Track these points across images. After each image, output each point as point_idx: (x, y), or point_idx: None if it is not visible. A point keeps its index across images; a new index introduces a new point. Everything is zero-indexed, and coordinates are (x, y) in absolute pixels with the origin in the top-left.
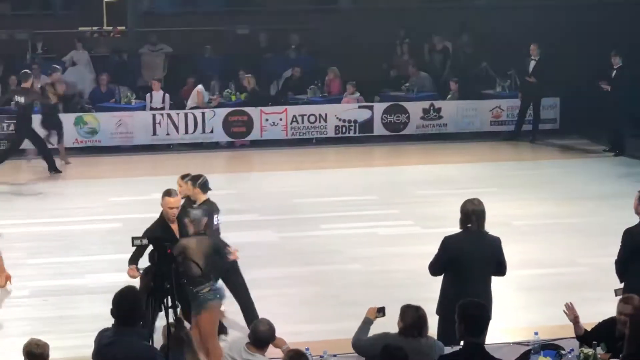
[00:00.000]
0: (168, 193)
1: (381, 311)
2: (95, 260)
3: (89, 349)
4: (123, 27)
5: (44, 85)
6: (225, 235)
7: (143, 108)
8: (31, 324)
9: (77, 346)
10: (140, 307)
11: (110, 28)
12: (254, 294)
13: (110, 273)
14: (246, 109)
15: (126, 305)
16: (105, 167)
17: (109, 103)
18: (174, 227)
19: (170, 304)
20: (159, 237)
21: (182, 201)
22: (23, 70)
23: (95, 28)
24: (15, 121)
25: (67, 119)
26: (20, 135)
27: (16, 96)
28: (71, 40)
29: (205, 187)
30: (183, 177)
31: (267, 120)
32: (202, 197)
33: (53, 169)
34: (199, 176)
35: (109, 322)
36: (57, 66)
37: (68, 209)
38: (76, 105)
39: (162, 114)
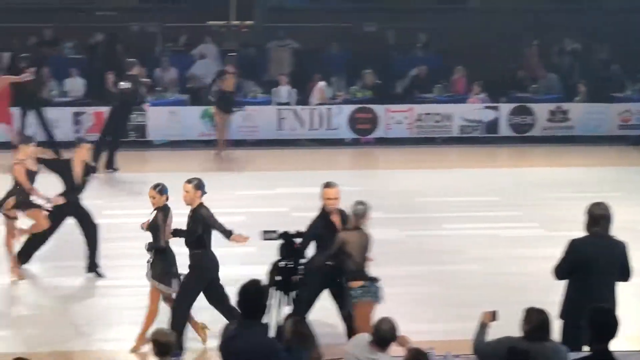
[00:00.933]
0: (327, 184)
1: (494, 315)
2: (219, 253)
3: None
4: (251, 22)
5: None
6: None
7: (268, 103)
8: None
9: (190, 338)
10: (264, 301)
11: (238, 22)
12: None
13: (234, 266)
14: (372, 106)
15: (251, 298)
16: (230, 161)
17: (235, 97)
18: (335, 219)
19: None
20: (288, 231)
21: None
22: (129, 59)
23: (223, 22)
24: (114, 107)
25: (194, 112)
26: (122, 121)
27: (121, 82)
28: (200, 33)
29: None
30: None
31: (392, 118)
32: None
33: (111, 167)
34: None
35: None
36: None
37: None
38: (204, 98)
39: (287, 109)
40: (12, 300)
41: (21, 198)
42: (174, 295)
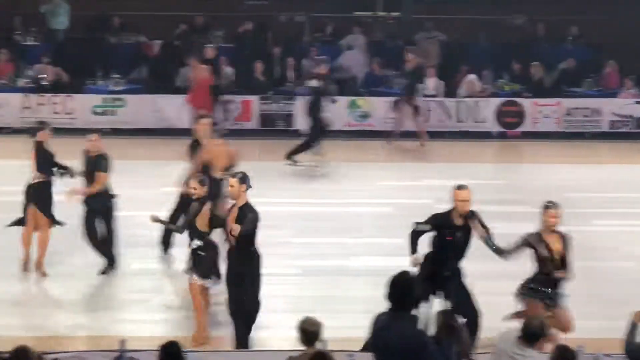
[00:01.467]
0: (459, 187)
1: None
2: (362, 243)
3: (347, 330)
4: (398, 13)
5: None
6: (495, 226)
7: None
8: (296, 301)
9: (336, 327)
10: (414, 292)
11: (385, 14)
12: None
13: (377, 256)
14: (519, 99)
15: (400, 290)
16: (374, 151)
17: (383, 88)
18: (460, 220)
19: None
20: (442, 224)
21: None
22: (318, 57)
23: (370, 13)
24: (309, 106)
25: (341, 102)
26: (316, 121)
27: (310, 81)
28: (348, 24)
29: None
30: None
31: (540, 112)
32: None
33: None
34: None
35: (369, 305)
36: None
37: (336, 190)
38: (350, 89)
39: (434, 101)
40: (160, 288)
41: None
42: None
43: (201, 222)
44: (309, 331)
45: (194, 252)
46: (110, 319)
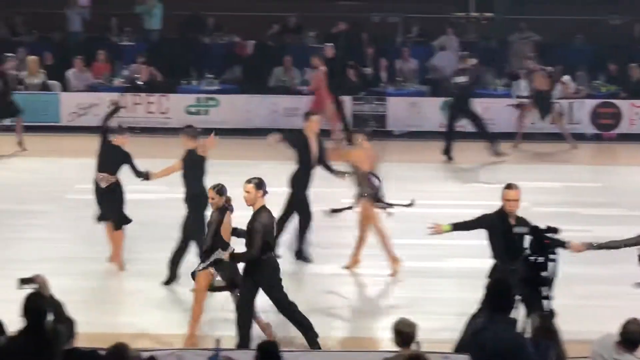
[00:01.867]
0: (508, 186)
1: None
2: (457, 244)
3: (441, 331)
4: (491, 14)
5: None
6: (590, 229)
7: (508, 95)
8: (391, 302)
9: (430, 329)
10: (511, 295)
11: (478, 14)
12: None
13: (471, 259)
14: (616, 101)
15: (500, 293)
16: (466, 153)
17: (476, 89)
18: (512, 221)
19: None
20: (539, 226)
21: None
22: (461, 52)
23: (463, 14)
24: (454, 102)
25: (434, 103)
26: (466, 115)
27: (456, 77)
28: (441, 25)
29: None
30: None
31: (637, 113)
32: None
33: (495, 152)
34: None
35: (463, 307)
36: None
37: (429, 192)
38: (444, 90)
39: (527, 102)
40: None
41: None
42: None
43: (225, 232)
44: (404, 332)
45: (217, 262)
46: (204, 318)
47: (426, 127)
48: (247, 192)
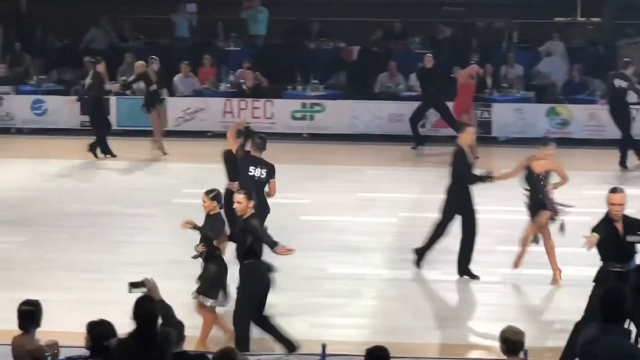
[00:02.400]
0: (613, 190)
1: None
2: (563, 252)
3: (548, 339)
4: (598, 19)
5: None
6: None
7: None
8: (498, 310)
9: (537, 337)
10: (625, 305)
11: (584, 19)
12: None
13: (579, 266)
14: None
15: (614, 303)
16: (575, 160)
17: (583, 95)
18: (618, 226)
19: None
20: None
21: None
22: (626, 59)
23: (569, 19)
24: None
25: (539, 110)
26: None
27: (616, 80)
28: (547, 30)
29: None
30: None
31: None
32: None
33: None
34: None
35: (571, 314)
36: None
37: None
38: (550, 96)
39: (638, 109)
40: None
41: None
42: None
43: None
44: (512, 340)
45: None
46: (308, 323)
47: (531, 133)
48: (239, 202)
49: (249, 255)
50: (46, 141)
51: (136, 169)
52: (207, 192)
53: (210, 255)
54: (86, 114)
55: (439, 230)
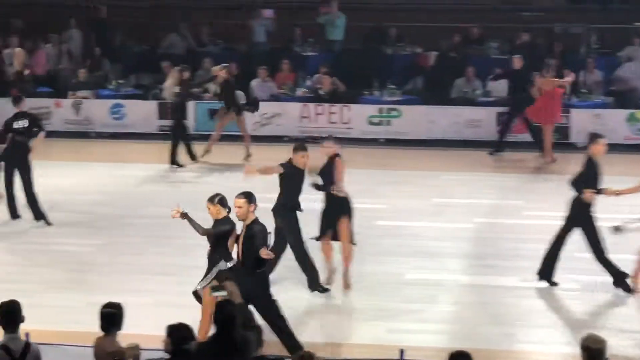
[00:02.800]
0: None
1: None
2: None
3: (629, 348)
4: None
5: None
6: None
7: None
8: (578, 317)
9: (619, 345)
10: None
11: None
12: None
13: None
14: None
15: None
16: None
17: None
18: None
19: None
20: None
21: None
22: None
23: None
24: None
25: (619, 116)
26: None
27: None
28: (626, 35)
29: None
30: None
31: None
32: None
33: None
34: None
35: None
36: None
37: (619, 205)
38: (630, 101)
39: None
40: (436, 298)
41: None
42: None
43: (230, 243)
44: (593, 349)
45: (219, 275)
46: (385, 328)
47: (611, 139)
48: (239, 207)
49: (262, 263)
50: (124, 145)
51: (211, 173)
52: (210, 199)
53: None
54: (173, 119)
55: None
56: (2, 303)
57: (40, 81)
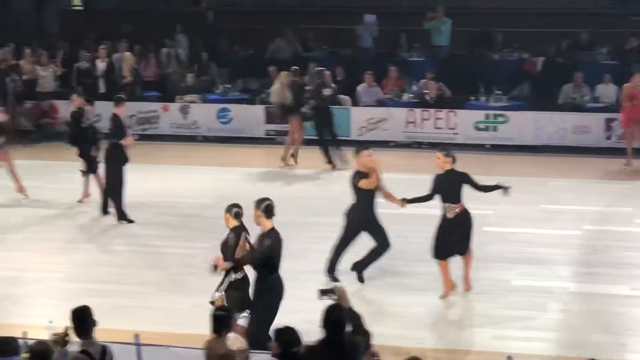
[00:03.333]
0: None
1: None
2: None
3: None
4: None
5: None
6: None
7: None
8: None
9: None
10: None
11: None
12: None
13: None
14: None
15: None
16: None
17: None
18: None
19: None
20: None
21: None
22: None
23: None
24: None
25: None
26: None
27: None
28: None
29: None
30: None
31: None
32: (266, 224)
33: None
34: (263, 199)
35: None
36: None
37: None
38: None
39: None
40: (544, 306)
41: None
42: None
43: (239, 254)
44: None
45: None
46: (491, 335)
47: None
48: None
49: (276, 268)
50: (230, 149)
51: (318, 178)
52: (226, 209)
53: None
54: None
55: None
56: (75, 309)
57: (148, 86)
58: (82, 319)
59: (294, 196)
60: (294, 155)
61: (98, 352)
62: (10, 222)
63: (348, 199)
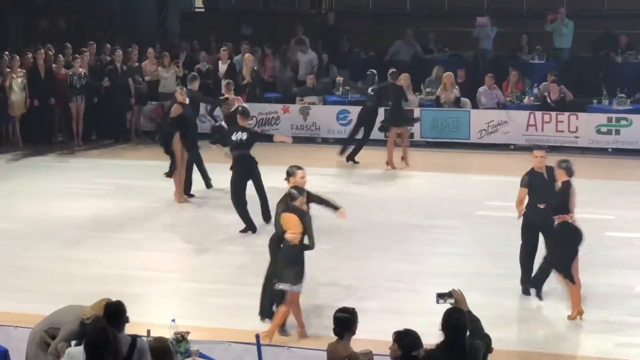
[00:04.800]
0: None
1: None
2: None
3: None
4: None
5: None
6: None
7: None
8: None
9: None
10: None
11: None
12: None
13: None
14: None
15: None
16: None
17: None
18: None
19: None
20: None
21: None
22: None
23: None
24: None
25: None
26: None
27: None
28: None
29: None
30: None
31: None
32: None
33: None
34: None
35: None
36: None
37: None
38: None
39: None
40: None
41: None
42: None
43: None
44: None
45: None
46: (614, 342)
47: None
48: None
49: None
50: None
51: (438, 181)
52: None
53: None
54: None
55: None
56: (108, 303)
57: (268, 87)
58: (116, 314)
59: (414, 198)
60: (404, 158)
61: (126, 345)
62: (129, 221)
63: (469, 202)
